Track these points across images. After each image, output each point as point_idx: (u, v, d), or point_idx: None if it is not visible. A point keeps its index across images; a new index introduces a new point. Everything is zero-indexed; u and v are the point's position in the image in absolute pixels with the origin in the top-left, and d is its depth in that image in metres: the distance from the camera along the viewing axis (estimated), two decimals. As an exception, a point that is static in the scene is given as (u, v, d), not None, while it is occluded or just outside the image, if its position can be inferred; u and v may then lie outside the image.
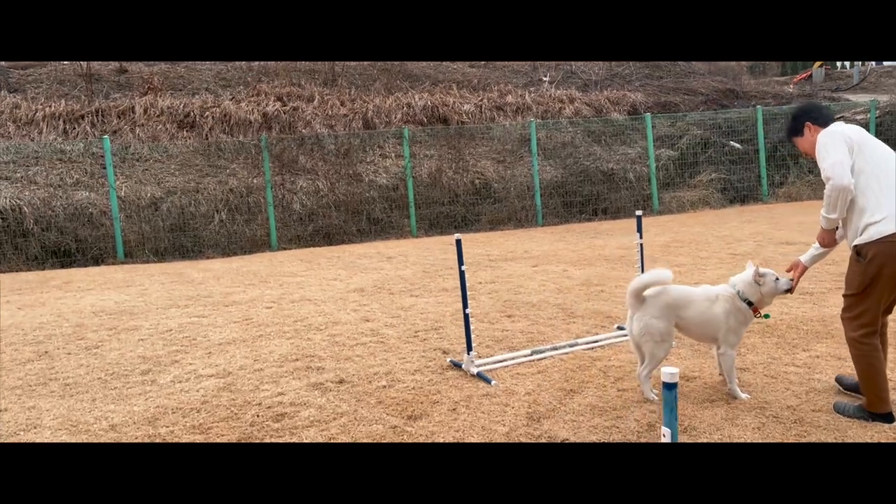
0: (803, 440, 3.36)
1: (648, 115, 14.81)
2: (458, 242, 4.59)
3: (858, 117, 15.51)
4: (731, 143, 16.03)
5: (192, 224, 12.38)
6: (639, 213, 5.18)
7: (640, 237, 5.16)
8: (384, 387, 4.44)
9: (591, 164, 15.53)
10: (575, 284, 7.03)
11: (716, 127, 16.27)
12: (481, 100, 18.25)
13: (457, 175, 13.64)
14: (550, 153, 15.66)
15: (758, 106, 15.31)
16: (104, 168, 12.15)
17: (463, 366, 4.64)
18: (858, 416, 3.54)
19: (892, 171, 3.43)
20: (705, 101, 19.08)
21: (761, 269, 3.89)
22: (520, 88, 19.72)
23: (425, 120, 17.03)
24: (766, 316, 4.01)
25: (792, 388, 4.03)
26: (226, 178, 14.00)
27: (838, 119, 14.89)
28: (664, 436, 1.81)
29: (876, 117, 14.33)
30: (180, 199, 13.11)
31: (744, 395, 3.91)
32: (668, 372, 1.75)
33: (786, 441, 3.37)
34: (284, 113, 16.71)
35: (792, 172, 14.96)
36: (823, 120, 3.69)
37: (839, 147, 3.44)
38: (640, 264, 5.18)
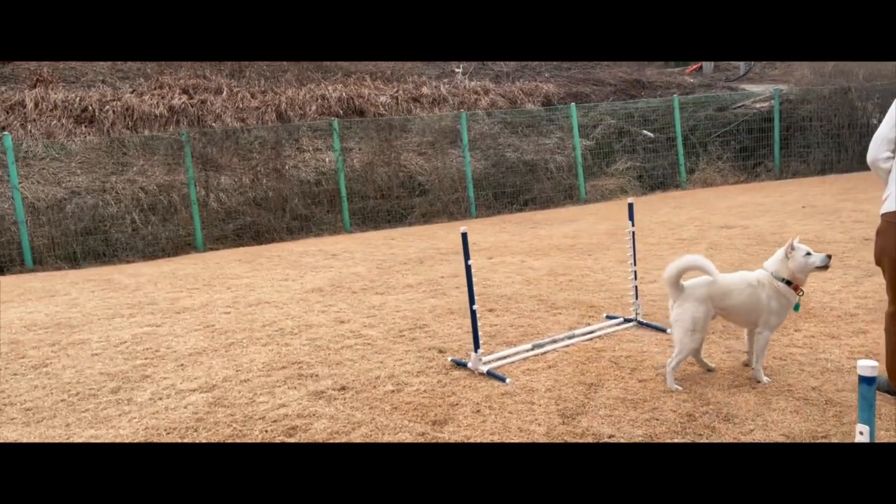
0: (843, 421, 3.40)
1: (573, 105, 15.04)
2: (464, 235, 4.42)
3: (758, 105, 16.39)
4: (644, 131, 16.54)
5: (102, 227, 11.47)
6: (630, 200, 5.15)
7: (633, 225, 5.14)
8: (392, 391, 4.19)
9: (512, 155, 15.61)
10: (541, 275, 6.98)
11: (628, 116, 16.71)
12: (397, 91, 17.99)
13: (386, 168, 13.35)
14: (472, 144, 15.63)
15: (675, 95, 15.82)
16: (3, 167, 11.05)
17: (469, 364, 4.46)
18: (885, 389, 3.61)
19: None
20: (614, 91, 19.61)
21: (795, 243, 3.85)
22: (434, 80, 19.59)
23: (341, 112, 16.59)
24: (796, 307, 3.98)
25: (806, 368, 4.11)
26: (134, 176, 13.09)
27: (739, 107, 15.52)
28: (860, 433, 1.71)
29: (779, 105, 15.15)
30: (87, 201, 12.14)
31: (766, 379, 3.94)
32: (868, 365, 1.65)
33: (825, 422, 3.40)
34: (192, 106, 15.86)
35: (702, 159, 15.60)
36: None
37: (888, 118, 3.47)
38: (632, 252, 5.15)
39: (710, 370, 4.17)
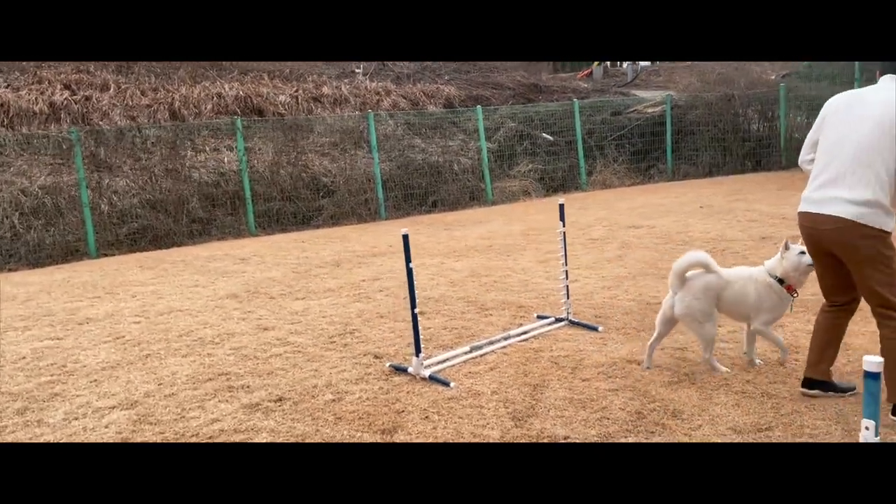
0: (781, 412, 3.55)
1: (479, 107, 15.17)
2: (405, 238, 4.31)
3: (649, 110, 17.14)
4: (543, 134, 16.92)
5: (-24, 232, 10.50)
6: (561, 201, 5.20)
7: (563, 225, 5.18)
8: (333, 401, 4.03)
9: (418, 156, 15.56)
10: (464, 277, 6.96)
11: (528, 120, 17.04)
12: (296, 91, 17.55)
13: (291, 169, 12.96)
14: (377, 146, 15.46)
15: (574, 100, 16.26)
16: None
17: (410, 370, 4.36)
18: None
19: (829, 152, 3.47)
20: (513, 94, 19.97)
21: (789, 242, 3.93)
22: (334, 80, 19.27)
23: (239, 111, 16.00)
24: (791, 309, 4.11)
25: (737, 363, 4.27)
26: (12, 177, 12.08)
27: (632, 112, 16.16)
28: (866, 428, 1.75)
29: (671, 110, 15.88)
30: (-45, 204, 11.09)
31: (722, 370, 4.12)
32: (873, 361, 1.69)
33: (765, 414, 3.54)
34: (75, 103, 14.86)
35: (599, 162, 16.13)
36: (883, 67, 3.48)
37: (815, 123, 3.64)
38: (563, 252, 5.20)
39: (649, 365, 4.30)
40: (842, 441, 3.20)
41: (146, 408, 4.03)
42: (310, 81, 18.48)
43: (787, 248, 3.93)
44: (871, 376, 1.68)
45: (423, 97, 18.87)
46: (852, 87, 13.30)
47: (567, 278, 5.20)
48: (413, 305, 4.33)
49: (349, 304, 6.20)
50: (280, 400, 4.08)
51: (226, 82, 17.28)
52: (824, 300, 3.75)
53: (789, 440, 3.27)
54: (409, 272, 4.32)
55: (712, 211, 10.04)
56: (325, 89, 18.04)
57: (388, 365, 4.56)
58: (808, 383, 3.71)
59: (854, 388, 3.67)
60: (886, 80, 3.42)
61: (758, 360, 4.22)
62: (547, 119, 16.82)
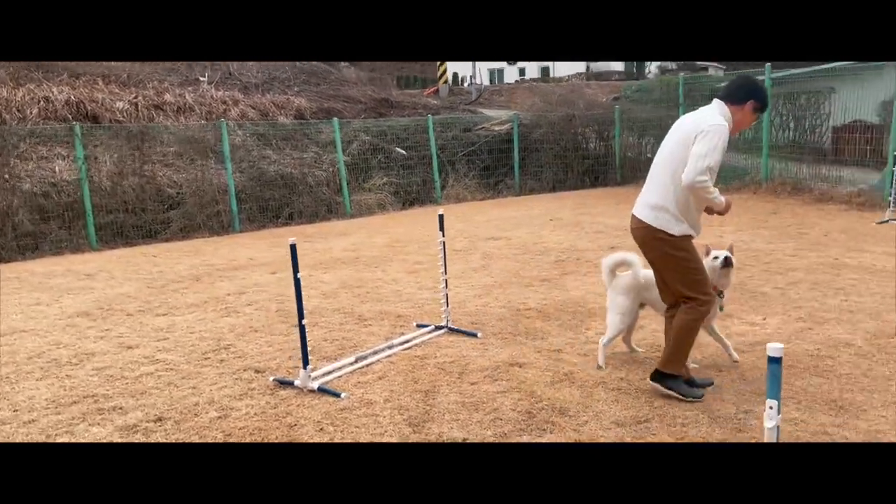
0: (655, 405, 3.86)
1: (336, 119, 15.06)
2: (293, 247, 4.23)
3: (497, 128, 17.86)
4: (397, 149, 17.11)
5: None
6: (440, 212, 5.31)
7: (443, 235, 5.30)
8: (219, 418, 3.87)
9: (270, 168, 15.17)
10: (335, 289, 6.89)
11: (381, 134, 17.17)
12: (136, 97, 16.55)
13: (136, 180, 12.16)
14: (222, 156, 14.91)
15: (429, 115, 16.58)
16: None
17: (297, 382, 4.27)
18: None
19: (656, 167, 3.93)
20: (365, 108, 20.05)
21: (710, 248, 4.24)
22: (177, 87, 18.37)
23: (70, 117, 14.82)
24: (721, 308, 4.34)
25: (610, 362, 4.57)
26: None
27: (480, 129, 16.84)
28: (770, 407, 1.97)
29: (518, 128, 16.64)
30: None
31: (601, 362, 4.45)
32: (776, 347, 1.92)
33: (642, 408, 3.83)
34: None
35: (451, 176, 16.56)
36: (762, 107, 3.86)
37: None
38: (443, 261, 5.31)
39: (633, 351, 4.71)
40: (710, 427, 3.54)
41: (3, 436, 3.65)
42: (150, 88, 17.51)
43: (707, 253, 4.23)
44: (773, 361, 1.90)
45: (274, 108, 18.46)
46: (677, 111, 14.62)
47: (447, 287, 5.31)
48: (301, 317, 4.25)
49: (217, 319, 5.94)
50: (160, 420, 3.85)
51: (54, 86, 15.96)
52: None
53: (665, 430, 3.55)
54: (297, 283, 4.24)
55: (562, 223, 10.64)
56: (168, 97, 17.16)
57: (271, 379, 4.43)
58: (656, 376, 3.99)
59: (702, 393, 3.96)
60: (714, 103, 3.85)
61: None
62: (400, 133, 17.03)
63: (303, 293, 6.63)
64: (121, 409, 4.01)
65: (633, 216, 3.97)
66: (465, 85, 42.11)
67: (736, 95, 3.79)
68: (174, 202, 12.77)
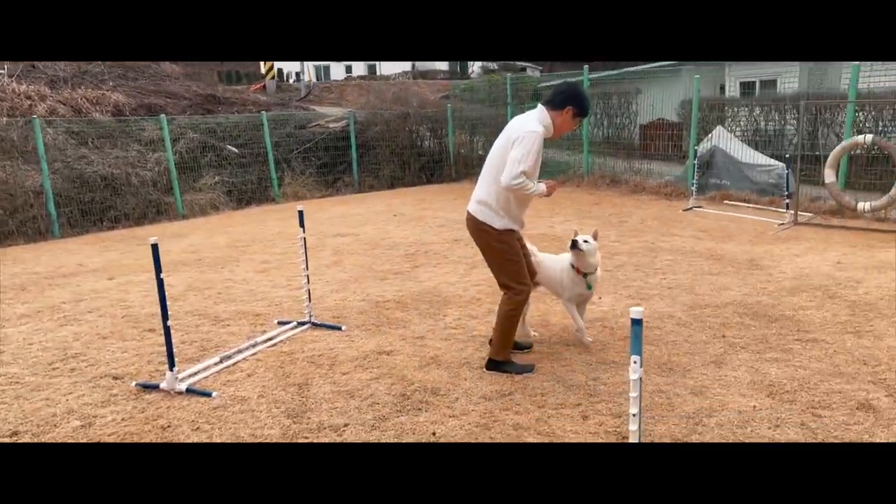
0: (515, 380, 4.21)
1: (164, 116, 14.33)
2: (155, 247, 4.11)
3: (332, 126, 17.84)
4: (229, 147, 16.58)
5: None
6: (299, 207, 5.35)
7: (303, 231, 5.35)
8: (83, 426, 3.72)
9: (88, 168, 14.14)
10: (182, 291, 6.67)
11: (210, 131, 16.56)
12: (-80, 91, 14.76)
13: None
14: (32, 156, 13.69)
15: (263, 112, 16.22)
16: None
17: (163, 385, 4.17)
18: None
19: (485, 166, 4.25)
20: (190, 105, 19.17)
21: (579, 233, 4.59)
22: (-30, 80, 16.56)
23: None
24: (589, 287, 4.65)
25: (469, 344, 4.88)
26: None
27: (315, 126, 16.84)
28: (634, 361, 2.30)
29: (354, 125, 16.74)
30: None
31: (588, 340, 4.79)
32: (637, 310, 2.26)
33: (507, 384, 4.17)
34: None
35: (287, 174, 16.33)
36: (581, 113, 4.20)
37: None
38: (304, 257, 5.35)
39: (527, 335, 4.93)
40: (566, 394, 3.94)
41: None
42: (-63, 81, 15.65)
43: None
44: (635, 322, 2.24)
45: (87, 104, 17.14)
46: (505, 109, 15.45)
47: (308, 282, 5.37)
48: (165, 318, 4.15)
49: (57, 328, 5.57)
50: (15, 434, 3.63)
51: None
52: None
53: (527, 400, 3.90)
54: (160, 283, 4.13)
55: (405, 219, 10.93)
56: (-40, 91, 15.45)
57: (133, 384, 4.28)
58: (490, 365, 4.37)
59: (532, 366, 4.39)
60: (538, 107, 4.23)
61: (589, 339, 4.81)
62: (231, 131, 16.52)
63: (147, 298, 6.42)
64: (-35, 427, 3.71)
65: (467, 210, 4.35)
66: (291, 81, 41.41)
67: (555, 101, 4.16)
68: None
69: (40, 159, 11.60)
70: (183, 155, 15.61)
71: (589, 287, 4.66)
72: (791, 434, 3.38)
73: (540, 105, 4.23)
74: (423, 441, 3.43)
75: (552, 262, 4.82)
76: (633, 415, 2.35)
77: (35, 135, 11.64)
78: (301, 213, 5.32)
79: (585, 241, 4.52)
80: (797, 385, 3.96)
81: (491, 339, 4.46)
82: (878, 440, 3.28)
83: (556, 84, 4.47)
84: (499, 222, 4.20)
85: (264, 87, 30.24)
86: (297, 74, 49.98)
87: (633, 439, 2.38)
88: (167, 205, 13.83)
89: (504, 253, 4.25)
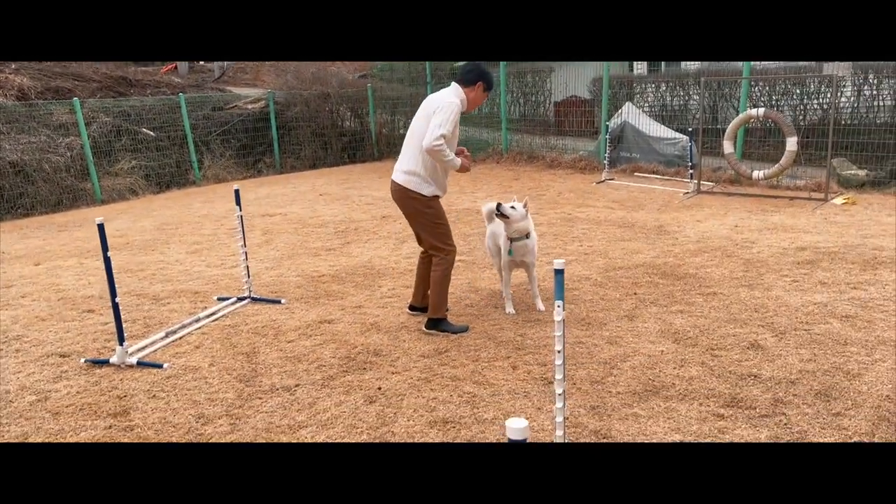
0: (451, 339, 4.57)
1: (77, 100, 13.91)
2: (101, 227, 4.23)
3: (250, 106, 17.67)
4: (144, 129, 16.22)
5: None
6: (236, 187, 5.52)
7: (240, 210, 5.51)
8: (38, 400, 3.87)
9: (-8, 155, 13.62)
10: (118, 273, 6.53)
11: (124, 114, 16.15)
12: None
13: None
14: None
15: (181, 94, 15.91)
16: None
17: (113, 360, 4.33)
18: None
19: (408, 138, 4.64)
20: (101, 87, 18.57)
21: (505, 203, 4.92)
22: None
23: None
24: (510, 252, 4.97)
25: (405, 311, 5.20)
26: None
27: (232, 108, 16.67)
28: (558, 305, 2.68)
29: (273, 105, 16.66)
30: None
31: (541, 306, 5.13)
32: (559, 262, 2.63)
33: (442, 343, 4.53)
34: None
35: (206, 157, 16.14)
36: (489, 87, 4.66)
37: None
38: (241, 234, 5.53)
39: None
40: (497, 349, 4.33)
41: None
42: None
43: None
44: (558, 272, 2.62)
45: (-11, 88, 16.44)
46: (425, 89, 15.73)
47: (247, 259, 5.57)
48: (113, 294, 4.30)
49: (-10, 313, 5.58)
50: (-32, 411, 3.73)
51: None
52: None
53: (462, 356, 4.27)
54: (107, 261, 4.27)
55: (331, 198, 11.11)
56: None
57: (83, 360, 4.42)
58: (429, 324, 4.74)
59: (466, 325, 4.79)
60: (452, 85, 4.64)
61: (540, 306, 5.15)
62: (146, 114, 16.15)
63: (81, 281, 6.47)
64: (-84, 408, 3.79)
65: (392, 181, 4.70)
66: (202, 63, 40.28)
67: (467, 79, 4.59)
68: None
69: (-54, 146, 11.09)
70: (96, 139, 15.18)
71: (509, 252, 4.96)
72: (693, 371, 3.88)
73: (453, 83, 4.62)
74: (371, 395, 3.75)
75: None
76: (559, 351, 2.73)
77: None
78: (237, 192, 5.49)
79: (512, 207, 4.85)
80: (698, 332, 4.49)
81: (411, 305, 4.92)
82: (764, 373, 3.82)
83: (465, 64, 4.82)
84: (427, 189, 4.58)
85: (175, 67, 29.40)
86: (208, 54, 48.57)
87: (558, 376, 2.76)
88: (83, 191, 13.50)
89: (433, 217, 4.64)
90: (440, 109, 4.42)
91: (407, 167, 4.62)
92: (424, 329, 4.71)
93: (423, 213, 4.65)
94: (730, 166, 10.09)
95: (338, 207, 10.09)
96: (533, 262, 5.10)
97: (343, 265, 6.67)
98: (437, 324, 4.68)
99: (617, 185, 10.92)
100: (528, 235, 4.97)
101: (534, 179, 11.93)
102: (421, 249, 4.94)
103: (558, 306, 2.69)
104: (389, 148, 16.72)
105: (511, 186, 11.23)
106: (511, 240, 4.95)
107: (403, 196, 4.65)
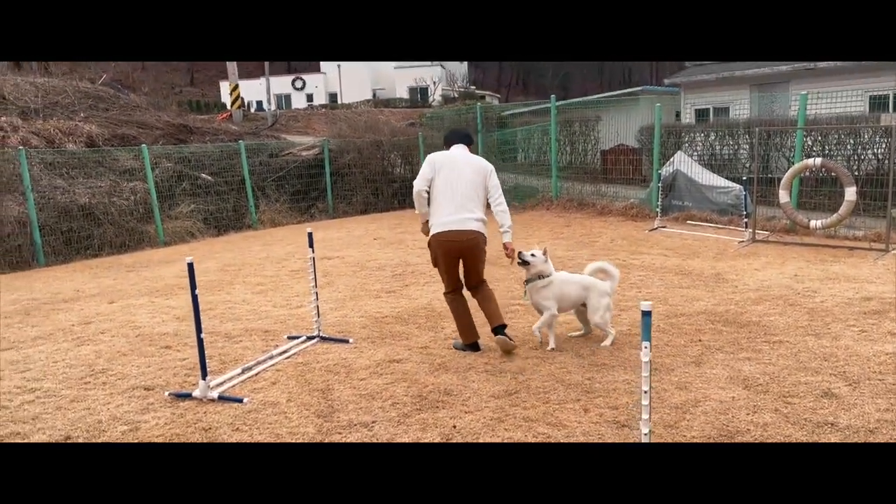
0: (519, 379, 4.66)
1: (145, 146, 14.55)
2: (191, 266, 4.46)
3: (304, 154, 18.22)
4: (203, 175, 16.83)
5: None
6: (309, 230, 5.75)
7: (312, 251, 5.73)
8: (130, 430, 4.05)
9: (61, 198, 14.26)
10: (187, 312, 6.95)
11: (185, 160, 16.79)
12: None
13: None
14: (9, 186, 13.76)
15: (241, 141, 16.52)
16: None
17: (196, 394, 4.51)
18: (461, 347, 5.32)
19: (455, 192, 5.18)
20: (163, 134, 19.37)
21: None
22: (-59, 112, 16.56)
23: None
24: (524, 295, 5.54)
25: (456, 352, 5.31)
26: None
27: (287, 154, 17.21)
28: (644, 347, 2.77)
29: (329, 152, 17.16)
30: None
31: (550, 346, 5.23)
32: (647, 304, 2.74)
33: (509, 384, 4.61)
34: None
35: (262, 202, 16.63)
36: (447, 141, 5.56)
37: (425, 166, 5.32)
38: (313, 274, 5.73)
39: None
40: (566, 391, 4.40)
41: None
42: None
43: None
44: (645, 314, 2.72)
45: (60, 135, 17.25)
46: (476, 137, 15.96)
47: (317, 298, 5.75)
48: (199, 330, 4.50)
49: (74, 348, 5.85)
50: (68, 438, 3.93)
51: None
52: (446, 288, 5.43)
53: (532, 398, 4.34)
54: (195, 298, 4.50)
55: (386, 243, 11.35)
56: (-68, 121, 15.46)
57: (167, 394, 4.61)
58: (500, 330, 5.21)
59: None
60: (458, 148, 5.41)
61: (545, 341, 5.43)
62: (204, 159, 16.77)
63: (154, 319, 6.73)
64: (19, 434, 4.00)
65: (466, 230, 5.16)
66: (253, 110, 41.73)
67: (468, 140, 5.56)
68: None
69: (25, 189, 11.72)
70: (159, 184, 15.82)
71: (524, 295, 5.54)
72: (767, 418, 3.89)
73: (462, 145, 5.47)
74: (447, 433, 3.85)
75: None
76: (645, 391, 2.81)
77: (21, 165, 11.79)
78: (310, 235, 5.71)
79: (532, 255, 5.34)
80: (769, 379, 4.49)
81: (493, 329, 5.24)
82: (841, 422, 3.81)
83: (457, 130, 5.81)
84: (486, 231, 5.31)
85: (231, 115, 30.50)
86: (259, 103, 50.36)
87: (644, 416, 2.83)
88: (146, 233, 14.00)
89: (484, 255, 5.36)
90: (493, 173, 5.33)
91: (478, 215, 5.22)
92: (499, 334, 5.17)
93: (484, 252, 5.32)
94: (786, 215, 10.05)
95: (393, 251, 10.31)
96: (547, 307, 5.34)
97: (404, 307, 6.82)
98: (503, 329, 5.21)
99: (669, 233, 10.94)
100: (541, 276, 5.34)
101: (584, 226, 12.02)
102: (450, 291, 5.37)
103: (645, 347, 2.78)
104: (439, 194, 16.99)
105: (562, 233, 11.34)
106: (525, 281, 5.40)
107: (480, 242, 5.23)
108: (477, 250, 5.24)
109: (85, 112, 19.99)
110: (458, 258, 5.29)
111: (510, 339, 5.18)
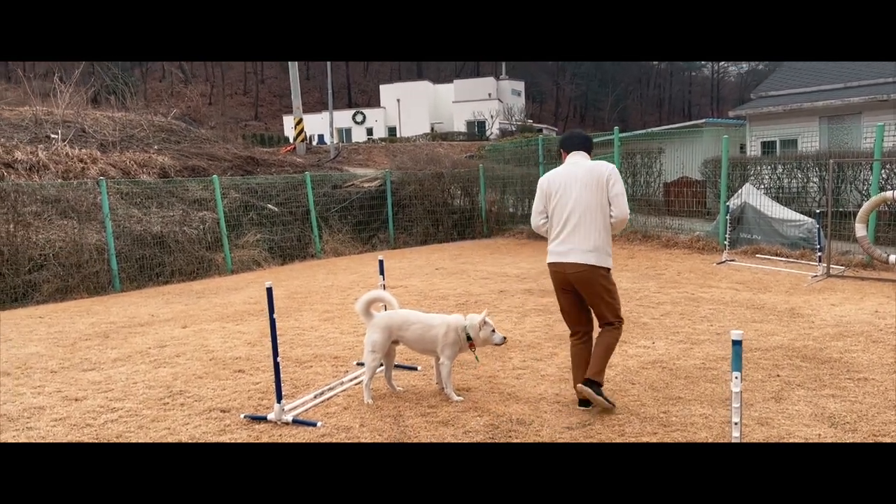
0: (593, 412, 4.58)
1: (216, 177, 15.06)
2: (269, 290, 4.57)
3: (366, 185, 18.53)
4: (269, 206, 17.27)
5: None
6: (380, 257, 5.83)
7: (383, 278, 5.81)
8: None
9: (135, 227, 14.82)
10: (258, 338, 7.12)
11: (252, 191, 17.28)
12: (-19, 155, 15.60)
13: None
14: (88, 216, 14.38)
15: (306, 172, 16.93)
16: None
17: (271, 416, 4.59)
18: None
19: (562, 217, 4.58)
20: (231, 166, 20.03)
21: (487, 319, 4.89)
22: (27, 144, 17.47)
23: None
24: (476, 358, 5.25)
25: (543, 381, 5.27)
26: None
27: (349, 186, 17.42)
28: (735, 377, 2.71)
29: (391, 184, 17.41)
30: None
31: (457, 398, 4.90)
32: (737, 333, 2.68)
33: (574, 416, 4.54)
34: None
35: (325, 232, 16.95)
36: (565, 147, 4.80)
37: (536, 198, 4.79)
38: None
39: (395, 391, 5.13)
40: (641, 425, 4.30)
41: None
42: (-3, 145, 16.54)
43: (485, 322, 4.88)
44: (736, 343, 2.66)
45: (136, 166, 18.02)
46: (536, 169, 16.04)
47: (387, 326, 5.79)
48: (275, 354, 4.59)
49: (152, 370, 6.02)
50: (151, 458, 4.03)
51: None
52: (569, 331, 4.84)
53: (607, 430, 4.27)
54: (273, 322, 4.59)
55: (448, 272, 11.40)
56: (19, 154, 16.31)
57: (242, 416, 4.70)
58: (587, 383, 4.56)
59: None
60: (576, 156, 4.69)
61: (458, 398, 4.91)
62: (269, 190, 17.22)
63: (226, 343, 6.88)
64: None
65: (572, 263, 4.52)
66: (315, 143, 42.85)
67: (588, 146, 4.78)
68: (35, 264, 12.16)
69: (104, 218, 12.23)
70: (226, 214, 16.31)
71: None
72: (857, 456, 3.72)
73: (583, 152, 4.72)
74: (522, 462, 3.80)
75: (422, 319, 5.15)
76: (735, 423, 2.74)
77: (101, 195, 12.32)
78: (381, 262, 5.80)
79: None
80: (856, 417, 4.31)
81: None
82: (937, 462, 3.62)
83: (575, 134, 4.91)
84: (610, 262, 4.61)
85: (294, 148, 31.35)
86: (321, 137, 51.70)
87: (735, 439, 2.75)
88: (213, 261, 14.40)
89: (612, 290, 4.62)
90: (615, 179, 4.50)
91: (591, 244, 4.49)
92: (581, 386, 4.49)
93: (606, 288, 4.56)
94: (863, 250, 9.71)
95: (455, 281, 10.34)
96: (439, 356, 4.95)
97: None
98: (597, 387, 4.48)
99: (738, 266, 10.68)
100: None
101: (649, 258, 11.84)
102: (572, 334, 4.76)
103: (736, 377, 2.72)
104: (499, 226, 17.06)
105: (626, 265, 11.19)
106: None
107: (593, 274, 4.51)
108: (588, 285, 4.54)
109: (158, 144, 20.84)
110: (571, 291, 4.66)
111: (600, 397, 4.47)
